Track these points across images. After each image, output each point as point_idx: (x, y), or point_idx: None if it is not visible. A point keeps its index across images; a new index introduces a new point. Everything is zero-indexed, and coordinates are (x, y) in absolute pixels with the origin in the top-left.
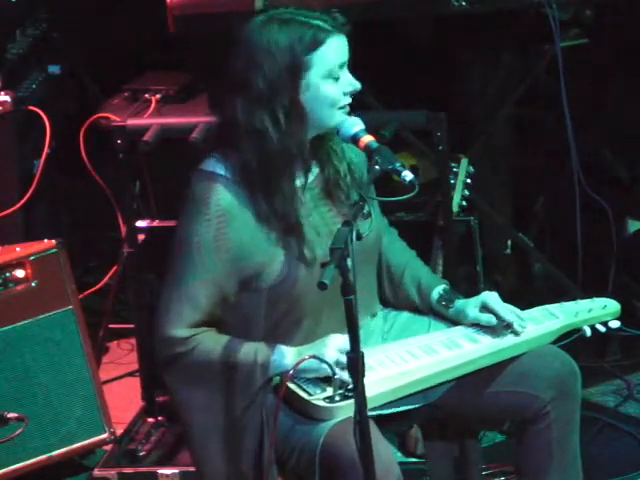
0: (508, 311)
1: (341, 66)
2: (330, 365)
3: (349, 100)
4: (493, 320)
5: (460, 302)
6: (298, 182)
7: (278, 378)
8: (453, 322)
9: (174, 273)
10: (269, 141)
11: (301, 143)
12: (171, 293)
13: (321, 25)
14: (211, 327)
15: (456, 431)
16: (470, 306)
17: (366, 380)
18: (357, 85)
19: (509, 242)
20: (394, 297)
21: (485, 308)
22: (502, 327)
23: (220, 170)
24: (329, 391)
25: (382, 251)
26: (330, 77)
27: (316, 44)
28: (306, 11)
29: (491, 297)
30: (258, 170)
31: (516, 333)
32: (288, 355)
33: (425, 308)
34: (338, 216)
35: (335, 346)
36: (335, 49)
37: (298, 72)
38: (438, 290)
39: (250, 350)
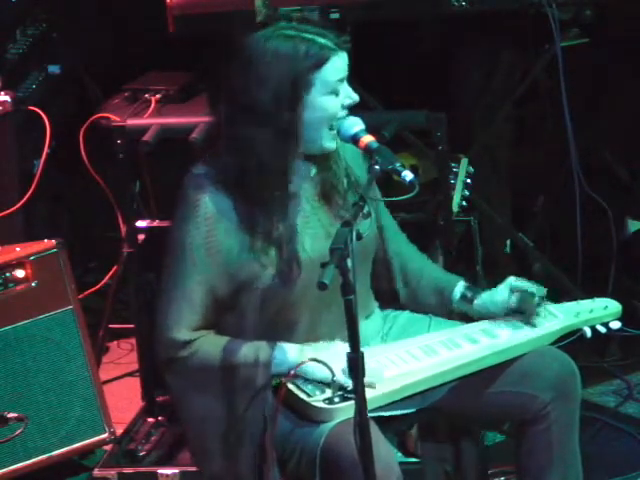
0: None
1: (341, 81)
2: (330, 368)
3: (346, 112)
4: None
5: (486, 293)
6: (292, 187)
7: (278, 379)
8: (473, 319)
9: (170, 276)
10: (258, 154)
11: (291, 159)
12: (169, 295)
13: (324, 43)
14: (211, 328)
15: (452, 432)
16: (498, 293)
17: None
18: (355, 97)
19: (509, 242)
20: (411, 301)
21: (514, 290)
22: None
23: (210, 173)
24: (328, 392)
25: (394, 255)
26: (331, 94)
27: (320, 63)
28: (309, 27)
29: (516, 279)
30: (241, 180)
31: (534, 323)
32: (291, 352)
33: (444, 309)
34: (335, 218)
35: (340, 353)
36: (337, 67)
37: (300, 90)
38: (459, 288)
39: (251, 349)
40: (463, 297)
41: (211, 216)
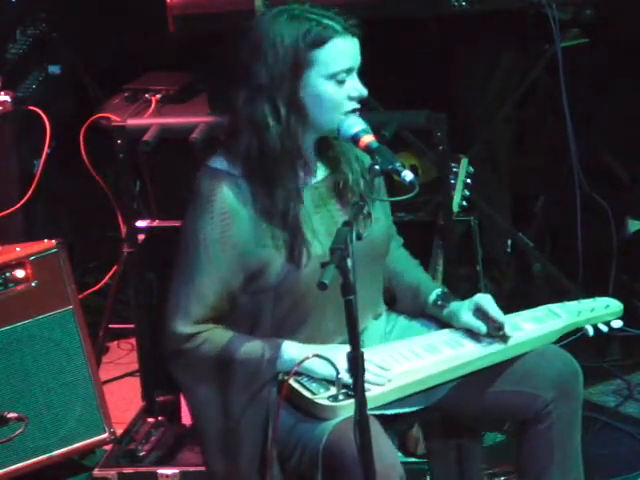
0: (500, 314)
1: (348, 71)
2: (334, 365)
3: (356, 105)
4: (483, 329)
5: (455, 304)
6: (301, 181)
7: (282, 375)
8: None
9: (182, 270)
10: (269, 133)
11: (300, 140)
12: (179, 289)
13: (330, 24)
14: (218, 323)
15: (458, 431)
16: (464, 309)
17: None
18: (363, 91)
19: (509, 242)
20: (389, 298)
21: (478, 310)
22: (491, 333)
23: (225, 166)
24: (332, 390)
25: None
26: (333, 79)
27: (321, 41)
28: (318, 9)
29: (485, 299)
30: (258, 162)
31: (504, 338)
32: (296, 350)
33: (417, 310)
34: (346, 215)
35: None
36: (341, 51)
37: (300, 67)
38: (436, 292)
39: (257, 346)
40: (435, 303)
41: (227, 211)
